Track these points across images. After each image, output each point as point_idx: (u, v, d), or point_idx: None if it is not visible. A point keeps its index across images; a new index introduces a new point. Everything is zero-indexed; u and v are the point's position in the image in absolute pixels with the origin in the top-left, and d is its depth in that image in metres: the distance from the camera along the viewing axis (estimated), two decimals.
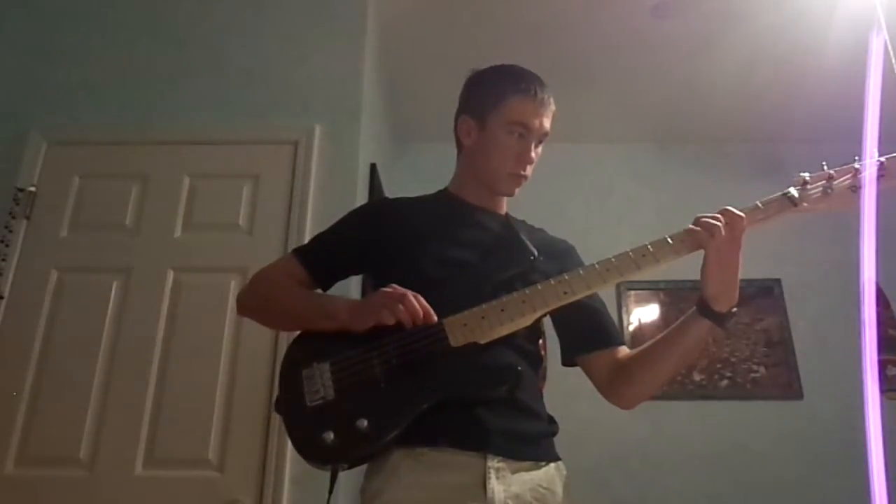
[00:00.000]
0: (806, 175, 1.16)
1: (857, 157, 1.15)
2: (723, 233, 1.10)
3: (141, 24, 2.58)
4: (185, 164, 2.31)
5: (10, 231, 2.19)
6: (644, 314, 3.30)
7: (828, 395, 3.03)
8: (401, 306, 1.07)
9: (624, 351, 1.28)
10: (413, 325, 1.08)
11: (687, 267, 1.17)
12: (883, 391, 3.07)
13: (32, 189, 2.26)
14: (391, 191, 2.91)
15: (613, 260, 1.14)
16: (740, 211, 1.12)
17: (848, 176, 1.14)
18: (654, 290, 3.28)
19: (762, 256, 3.29)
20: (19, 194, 2.24)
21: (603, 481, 2.95)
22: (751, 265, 3.64)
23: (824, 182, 1.15)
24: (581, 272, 1.15)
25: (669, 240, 1.14)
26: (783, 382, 3.14)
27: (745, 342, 3.22)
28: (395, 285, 1.12)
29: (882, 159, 1.14)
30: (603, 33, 2.96)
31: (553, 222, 3.61)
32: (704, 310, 1.14)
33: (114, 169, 2.33)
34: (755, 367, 3.18)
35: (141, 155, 2.34)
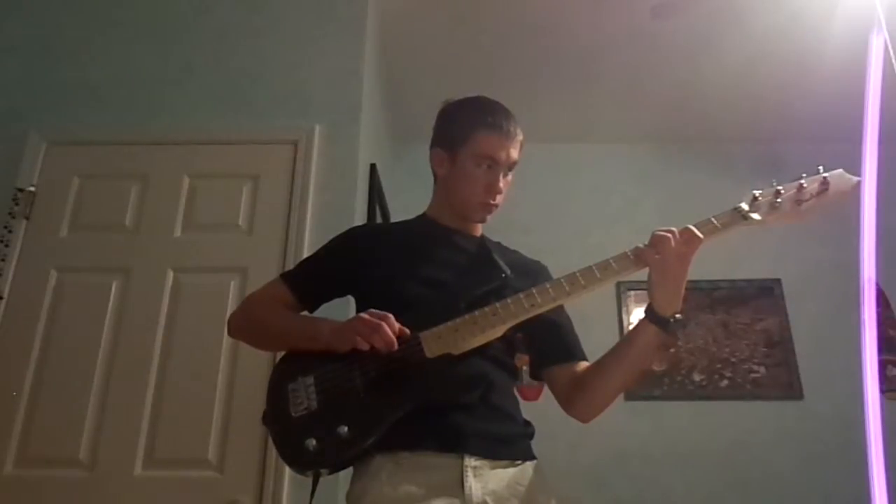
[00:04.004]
0: (756, 191, 1.23)
1: (803, 175, 1.22)
2: (672, 247, 1.15)
3: (141, 24, 2.58)
4: (185, 164, 2.31)
5: (10, 231, 2.19)
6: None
7: (828, 395, 3.03)
8: (374, 333, 1.13)
9: (584, 366, 1.34)
10: (387, 350, 1.14)
11: None
12: (883, 391, 3.06)
13: (32, 189, 2.26)
14: (391, 191, 2.91)
15: (578, 274, 1.21)
16: (699, 231, 1.18)
17: (793, 190, 1.21)
18: None
19: (762, 256, 3.29)
20: (19, 194, 2.24)
21: (603, 481, 2.95)
22: (751, 265, 3.65)
23: (772, 197, 1.21)
24: (548, 286, 1.22)
25: (630, 254, 1.21)
26: (783, 382, 3.14)
27: (745, 342, 3.22)
28: (372, 310, 1.18)
29: (825, 175, 1.21)
30: (603, 33, 2.96)
31: (553, 222, 3.60)
32: (650, 315, 1.20)
33: (114, 169, 2.33)
34: (755, 367, 3.17)
35: (141, 155, 2.34)
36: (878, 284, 3.15)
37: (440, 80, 3.06)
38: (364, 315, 1.17)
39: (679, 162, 3.64)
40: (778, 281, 3.32)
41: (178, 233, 2.23)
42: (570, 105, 3.35)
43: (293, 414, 1.14)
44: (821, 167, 1.21)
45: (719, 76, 3.17)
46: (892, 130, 1.44)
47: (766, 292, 3.32)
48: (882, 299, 3.20)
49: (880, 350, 3.11)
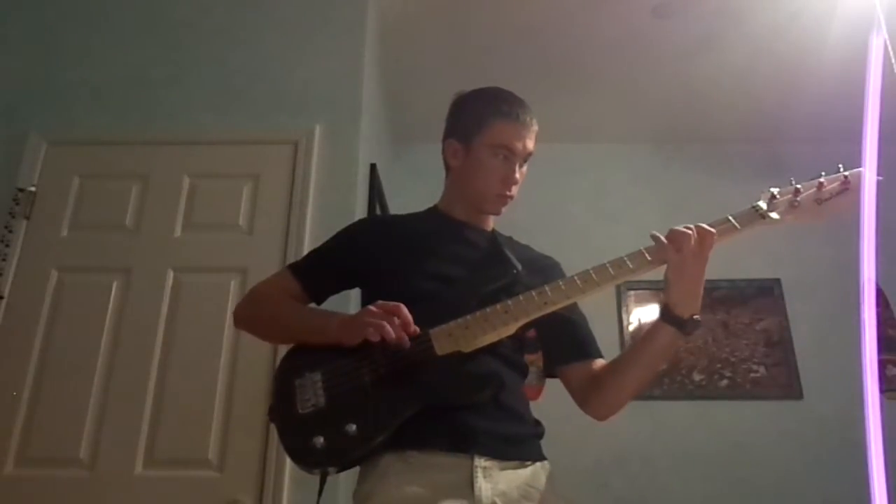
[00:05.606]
0: (774, 189, 1.20)
1: (823, 173, 1.19)
2: (691, 245, 1.13)
3: (141, 25, 2.58)
4: (185, 164, 2.31)
5: (10, 231, 2.19)
6: (644, 314, 3.30)
7: (828, 395, 3.03)
8: (385, 325, 1.11)
9: (600, 363, 1.32)
10: (396, 340, 1.12)
11: None
12: (883, 391, 3.07)
13: (32, 189, 2.26)
14: (391, 191, 2.91)
15: (591, 272, 1.18)
16: (711, 227, 1.16)
17: (813, 189, 1.18)
18: (654, 290, 3.28)
19: (762, 256, 3.30)
20: (19, 194, 2.24)
21: (603, 481, 2.95)
22: (751, 265, 3.66)
23: (791, 196, 1.19)
24: (561, 283, 1.19)
25: (646, 254, 1.18)
26: (783, 382, 3.14)
27: (745, 342, 3.23)
28: (381, 302, 1.16)
29: (846, 174, 1.18)
30: (603, 33, 2.96)
31: (553, 222, 3.60)
32: (666, 315, 1.17)
33: (114, 169, 2.33)
34: (755, 367, 3.18)
35: (141, 155, 2.34)
36: (878, 284, 3.15)
37: (440, 80, 3.06)
38: (372, 307, 1.15)
39: (679, 162, 3.64)
40: (778, 281, 3.33)
41: (178, 233, 2.23)
42: (570, 105, 3.35)
43: (300, 411, 1.12)
44: (841, 166, 1.19)
45: (719, 76, 3.17)
46: (892, 130, 1.44)
47: (766, 292, 3.32)
48: (882, 299, 3.20)
49: (880, 350, 3.11)
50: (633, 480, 2.98)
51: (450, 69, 3.08)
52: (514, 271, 1.27)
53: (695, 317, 1.16)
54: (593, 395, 1.29)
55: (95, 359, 2.05)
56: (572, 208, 3.53)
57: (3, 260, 2.15)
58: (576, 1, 2.81)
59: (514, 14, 2.88)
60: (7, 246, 2.17)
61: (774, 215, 1.17)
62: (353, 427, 1.09)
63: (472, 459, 1.12)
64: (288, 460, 1.87)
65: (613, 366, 1.28)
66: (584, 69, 3.18)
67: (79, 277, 2.17)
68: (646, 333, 1.22)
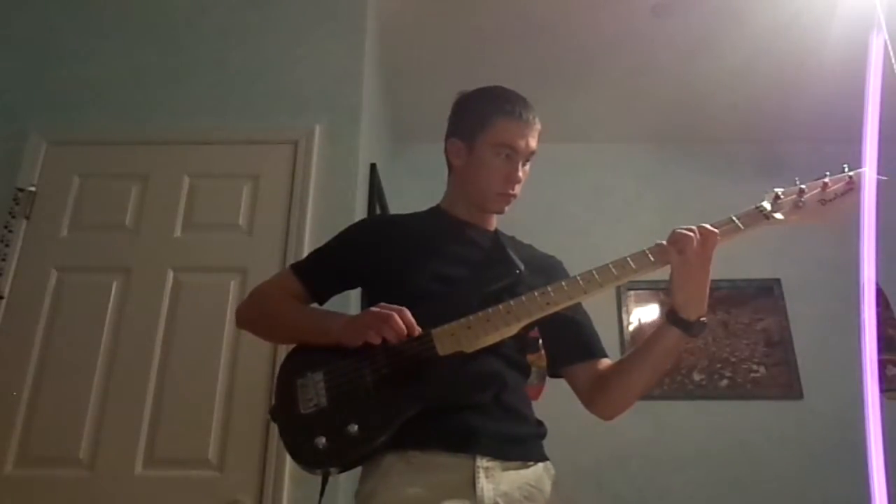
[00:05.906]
0: (779, 190, 1.19)
1: (827, 172, 1.19)
2: (694, 246, 1.13)
3: (141, 25, 2.58)
4: (185, 164, 2.31)
5: (10, 231, 2.19)
6: (644, 314, 3.30)
7: (828, 395, 3.03)
8: (386, 327, 1.12)
9: (605, 363, 1.32)
10: (398, 339, 1.12)
11: None
12: (883, 391, 3.07)
13: (32, 189, 2.26)
14: (391, 191, 2.91)
15: (594, 272, 1.18)
16: (714, 227, 1.15)
17: (817, 189, 1.18)
18: (654, 289, 3.28)
19: (762, 256, 3.29)
20: (19, 194, 2.24)
21: (603, 481, 2.95)
22: (751, 265, 3.65)
23: (795, 196, 1.18)
24: (563, 284, 1.19)
25: (649, 255, 1.18)
26: (783, 382, 3.14)
27: (745, 342, 3.22)
28: (383, 304, 1.16)
29: (850, 174, 1.18)
30: (603, 33, 2.96)
31: (553, 222, 3.61)
32: (673, 318, 1.17)
33: (114, 169, 2.33)
34: (755, 367, 3.18)
35: (141, 155, 2.34)
36: (878, 284, 3.15)
37: (440, 80, 3.06)
38: (374, 308, 1.15)
39: (679, 162, 3.64)
40: (778, 281, 3.33)
41: (178, 233, 2.23)
42: (570, 105, 3.35)
43: (302, 411, 1.12)
44: (846, 166, 1.18)
45: (719, 76, 3.17)
46: (892, 130, 1.44)
47: (766, 292, 3.32)
48: (882, 299, 3.20)
49: (880, 350, 3.11)
50: (633, 480, 2.98)
51: (450, 69, 3.08)
52: (517, 271, 1.27)
53: (701, 319, 1.16)
54: (599, 396, 1.29)
55: (95, 359, 2.05)
56: (572, 208, 3.53)
57: (3, 260, 2.15)
58: (575, 1, 2.81)
59: (514, 14, 2.89)
60: (7, 246, 2.17)
61: (779, 216, 1.17)
62: (355, 427, 1.09)
63: (474, 460, 1.12)
64: (288, 460, 1.88)
65: (619, 367, 1.28)
66: (584, 69, 3.18)
67: (79, 277, 2.17)
68: (651, 335, 1.22)
